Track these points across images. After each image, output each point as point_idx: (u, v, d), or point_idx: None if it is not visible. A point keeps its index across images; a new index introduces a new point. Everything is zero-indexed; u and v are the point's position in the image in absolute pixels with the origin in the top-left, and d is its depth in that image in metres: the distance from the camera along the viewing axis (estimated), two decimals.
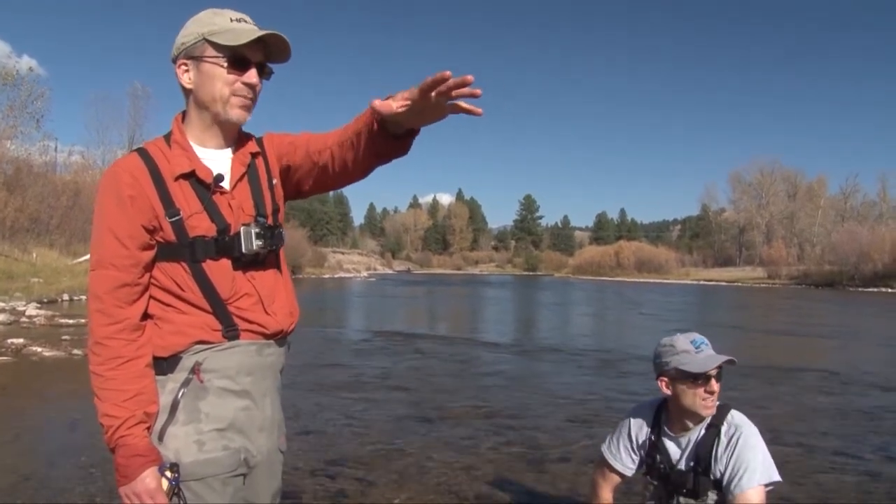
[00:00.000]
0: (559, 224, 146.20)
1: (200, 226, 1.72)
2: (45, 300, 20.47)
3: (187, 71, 1.74)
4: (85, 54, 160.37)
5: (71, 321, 15.22)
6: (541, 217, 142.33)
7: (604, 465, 2.97)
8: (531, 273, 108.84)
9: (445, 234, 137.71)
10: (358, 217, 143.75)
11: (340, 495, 4.57)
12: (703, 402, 2.62)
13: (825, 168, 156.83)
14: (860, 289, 53.23)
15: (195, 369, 1.71)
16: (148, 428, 1.67)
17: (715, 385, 2.61)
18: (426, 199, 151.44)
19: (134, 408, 1.63)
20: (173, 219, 1.69)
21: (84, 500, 4.37)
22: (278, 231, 1.83)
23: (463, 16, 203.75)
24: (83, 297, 22.81)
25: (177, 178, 1.71)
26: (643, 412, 2.89)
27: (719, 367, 2.62)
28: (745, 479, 2.48)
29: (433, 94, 1.54)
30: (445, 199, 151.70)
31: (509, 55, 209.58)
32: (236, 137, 1.84)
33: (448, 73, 1.50)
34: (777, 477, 2.52)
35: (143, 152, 1.73)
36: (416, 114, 1.63)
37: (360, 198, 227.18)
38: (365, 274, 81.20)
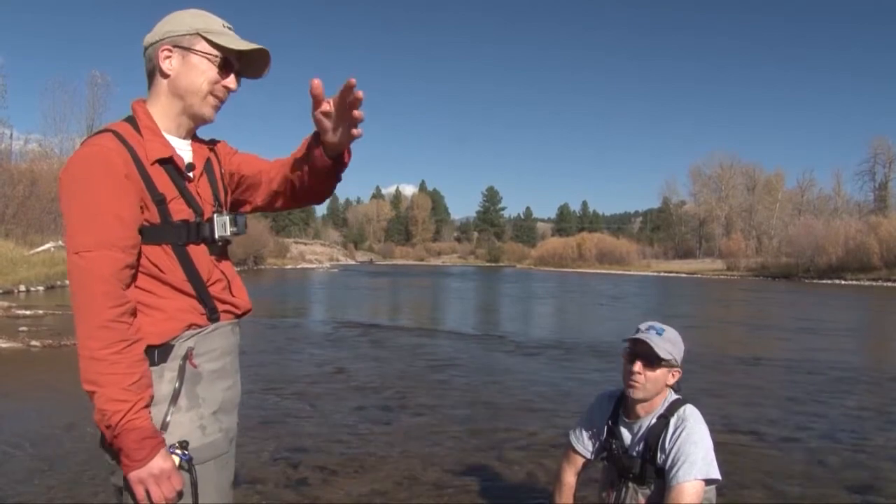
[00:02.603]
0: (521, 215, 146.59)
1: (182, 210, 1.76)
2: (1, 291, 20.11)
3: (170, 57, 1.77)
4: (42, 42, 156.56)
5: (28, 312, 15.00)
6: (503, 208, 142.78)
7: (569, 448, 3.08)
8: (493, 264, 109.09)
9: (408, 225, 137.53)
10: (320, 208, 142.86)
11: (302, 483, 4.60)
12: (627, 380, 2.74)
13: (782, 162, 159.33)
14: (815, 281, 54.33)
15: (188, 355, 1.74)
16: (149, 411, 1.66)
17: (637, 367, 2.70)
18: (389, 190, 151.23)
19: (140, 391, 1.61)
20: (158, 202, 1.71)
21: (42, 492, 4.34)
22: (244, 220, 1.90)
23: (423, 9, 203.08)
24: (40, 288, 22.46)
25: (153, 163, 1.72)
26: (605, 399, 3.00)
27: (646, 354, 2.69)
28: (683, 470, 2.53)
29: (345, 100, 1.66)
30: (408, 190, 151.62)
31: (472, 48, 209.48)
32: (193, 133, 1.89)
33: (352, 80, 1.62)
34: (716, 475, 2.55)
35: (116, 134, 1.71)
36: (334, 131, 1.74)
37: None
38: (327, 265, 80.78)
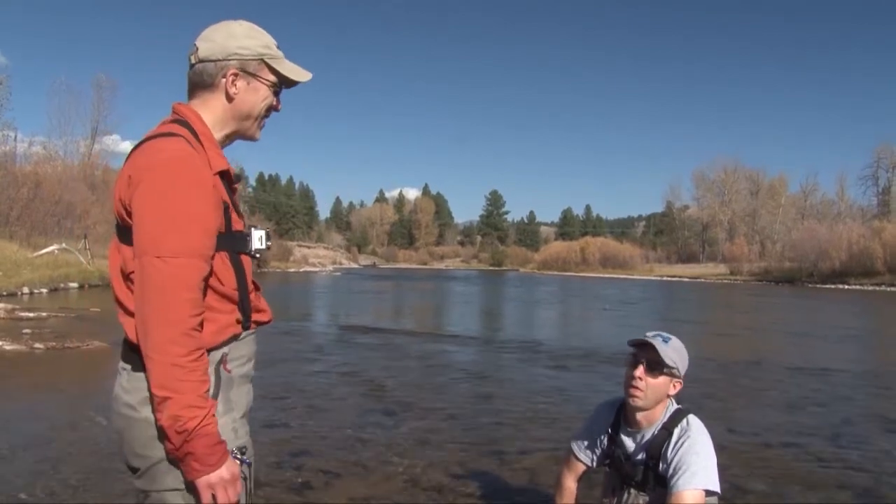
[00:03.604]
0: (525, 219, 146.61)
1: (237, 220, 1.80)
2: (5, 293, 20.14)
3: (236, 81, 1.81)
4: (48, 44, 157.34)
5: (31, 315, 15.01)
6: (507, 212, 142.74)
7: (570, 455, 3.08)
8: (497, 268, 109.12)
9: (411, 229, 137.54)
10: (324, 211, 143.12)
11: (305, 487, 4.61)
12: (628, 386, 2.72)
13: (786, 167, 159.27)
14: (818, 285, 54.27)
15: (223, 360, 1.77)
16: None
17: (639, 372, 2.68)
18: (392, 194, 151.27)
19: (210, 398, 1.66)
20: (225, 209, 1.75)
21: (45, 493, 4.35)
22: (270, 237, 1.93)
23: (423, 9, 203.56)
24: (44, 291, 22.50)
25: (216, 173, 1.74)
26: (606, 408, 2.99)
27: (650, 360, 2.67)
28: (684, 479, 2.52)
29: None
30: (412, 193, 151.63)
31: (474, 49, 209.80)
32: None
33: None
34: (716, 487, 2.54)
35: (186, 141, 1.72)
36: None
37: (326, 191, 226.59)
38: (330, 268, 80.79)
